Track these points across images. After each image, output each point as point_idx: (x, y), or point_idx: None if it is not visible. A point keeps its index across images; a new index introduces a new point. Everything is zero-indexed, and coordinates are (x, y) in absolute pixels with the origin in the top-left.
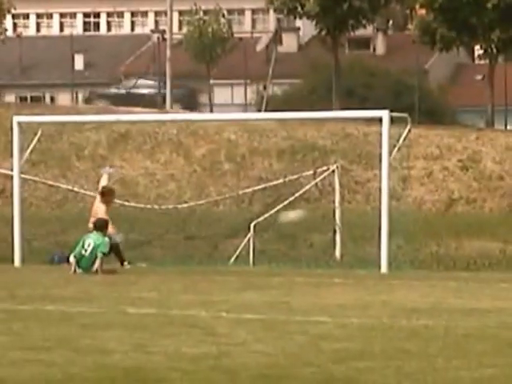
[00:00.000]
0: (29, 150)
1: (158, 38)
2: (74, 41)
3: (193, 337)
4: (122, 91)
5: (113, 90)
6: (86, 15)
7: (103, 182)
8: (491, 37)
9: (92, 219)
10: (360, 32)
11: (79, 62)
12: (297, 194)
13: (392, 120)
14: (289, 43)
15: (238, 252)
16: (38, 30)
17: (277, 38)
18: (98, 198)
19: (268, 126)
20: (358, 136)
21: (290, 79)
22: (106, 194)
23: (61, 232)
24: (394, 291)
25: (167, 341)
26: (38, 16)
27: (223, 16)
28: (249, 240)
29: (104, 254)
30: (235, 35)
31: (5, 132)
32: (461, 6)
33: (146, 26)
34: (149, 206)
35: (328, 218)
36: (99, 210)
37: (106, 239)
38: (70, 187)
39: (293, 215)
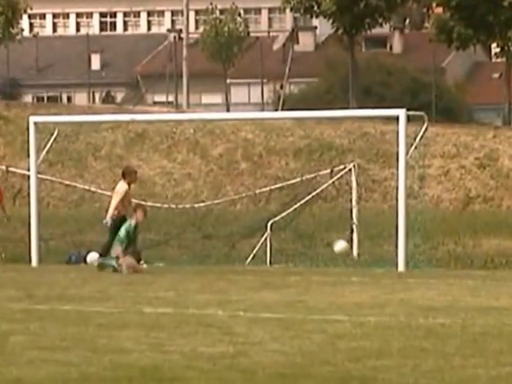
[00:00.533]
0: (45, 150)
1: (175, 38)
2: (90, 41)
3: (210, 336)
4: None
5: None
6: (102, 15)
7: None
8: (508, 35)
9: (111, 199)
10: (377, 30)
11: (96, 62)
12: (314, 193)
13: (409, 118)
14: (305, 42)
15: (254, 251)
16: (54, 29)
17: (293, 37)
18: (121, 180)
19: (285, 125)
20: (375, 135)
21: (306, 78)
22: (127, 173)
23: (78, 232)
24: (411, 290)
25: (184, 340)
26: (55, 16)
27: (239, 15)
28: (266, 239)
29: (121, 242)
30: (252, 34)
31: (21, 132)
32: (477, 4)
33: (162, 26)
34: (166, 206)
35: (345, 216)
36: (120, 188)
37: (127, 225)
38: (86, 187)
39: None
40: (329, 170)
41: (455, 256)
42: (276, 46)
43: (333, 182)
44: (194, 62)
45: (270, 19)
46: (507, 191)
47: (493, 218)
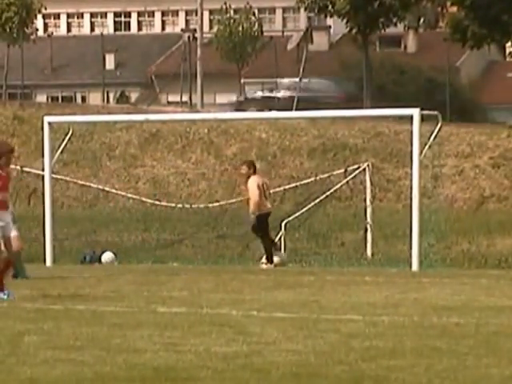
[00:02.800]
0: (60, 150)
1: (189, 37)
2: (104, 40)
3: (223, 335)
4: None
5: None
6: (116, 15)
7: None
8: None
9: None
10: (391, 30)
11: (110, 62)
12: (328, 193)
13: (423, 118)
14: (320, 42)
15: None
16: (68, 29)
17: (307, 37)
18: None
19: (299, 124)
20: (389, 134)
21: (320, 78)
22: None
23: (92, 232)
24: (425, 289)
25: (198, 340)
26: (69, 16)
27: (253, 14)
28: (280, 239)
29: None
30: (266, 34)
31: (36, 132)
32: (492, 3)
33: (176, 26)
34: (180, 205)
35: (359, 216)
36: (254, 183)
37: None
38: (101, 187)
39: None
40: (343, 170)
41: (469, 255)
42: (290, 46)
43: (347, 182)
44: (208, 62)
45: (284, 19)
46: None
47: (507, 217)
